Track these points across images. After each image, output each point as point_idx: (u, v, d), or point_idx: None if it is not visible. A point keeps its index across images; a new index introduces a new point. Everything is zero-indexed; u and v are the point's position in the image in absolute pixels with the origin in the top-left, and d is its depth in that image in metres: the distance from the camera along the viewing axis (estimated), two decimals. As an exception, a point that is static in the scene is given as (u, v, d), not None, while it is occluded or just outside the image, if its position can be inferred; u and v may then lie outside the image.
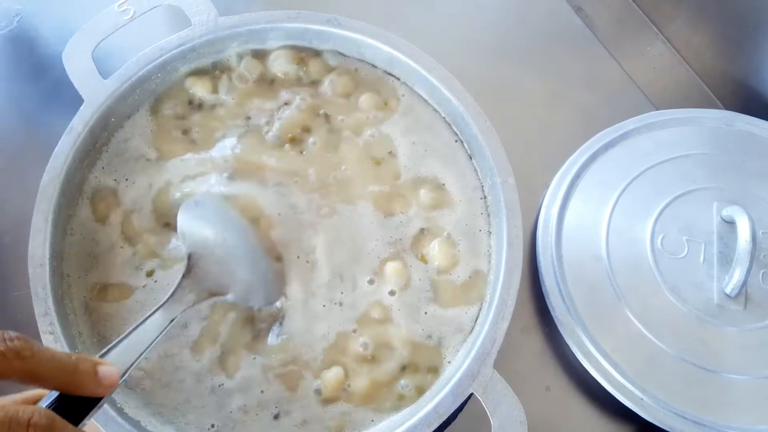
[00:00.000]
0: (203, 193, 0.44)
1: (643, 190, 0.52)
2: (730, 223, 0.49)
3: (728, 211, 0.49)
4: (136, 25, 0.48)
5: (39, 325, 0.41)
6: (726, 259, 0.48)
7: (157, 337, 0.35)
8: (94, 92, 0.46)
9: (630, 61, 0.62)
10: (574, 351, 0.46)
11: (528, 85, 0.60)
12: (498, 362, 0.40)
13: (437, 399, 0.39)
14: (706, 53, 0.61)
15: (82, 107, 0.46)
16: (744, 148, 0.54)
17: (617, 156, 0.54)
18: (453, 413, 0.39)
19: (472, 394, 0.39)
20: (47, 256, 0.42)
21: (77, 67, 0.46)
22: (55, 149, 0.44)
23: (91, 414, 0.29)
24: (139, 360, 0.33)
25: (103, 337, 0.43)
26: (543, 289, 0.49)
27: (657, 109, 0.58)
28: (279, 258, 0.43)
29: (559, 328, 0.47)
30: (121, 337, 0.33)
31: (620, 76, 0.61)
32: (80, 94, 0.46)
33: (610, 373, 0.45)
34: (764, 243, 0.49)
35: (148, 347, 0.34)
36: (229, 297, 0.40)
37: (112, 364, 0.30)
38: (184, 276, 0.38)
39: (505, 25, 0.63)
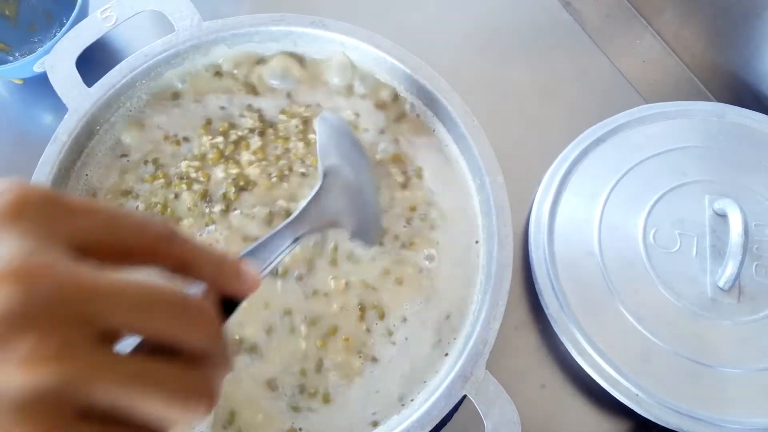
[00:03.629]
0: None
1: (635, 185, 0.51)
2: (723, 216, 0.49)
3: (720, 204, 0.49)
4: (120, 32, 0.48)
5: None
6: (719, 253, 0.48)
7: (282, 251, 0.33)
8: (78, 100, 0.46)
9: (619, 55, 0.61)
10: (568, 348, 0.46)
11: (517, 82, 0.60)
12: (493, 361, 0.40)
13: (430, 401, 0.39)
14: (695, 45, 0.61)
15: (66, 116, 0.45)
16: (735, 140, 0.53)
17: (608, 151, 0.53)
18: (447, 415, 0.39)
19: (465, 396, 0.39)
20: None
21: (61, 76, 0.46)
22: (41, 159, 0.44)
23: (228, 319, 0.27)
24: (266, 272, 0.31)
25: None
26: (536, 287, 0.49)
27: (647, 103, 0.58)
28: None
29: (553, 325, 0.47)
30: (248, 248, 0.31)
31: (610, 70, 0.61)
32: (64, 102, 0.46)
33: (604, 370, 0.45)
34: (757, 235, 0.49)
35: (273, 261, 0.32)
36: (346, 228, 0.40)
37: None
38: (314, 197, 0.38)
39: (493, 22, 0.62)
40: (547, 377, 0.49)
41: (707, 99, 0.60)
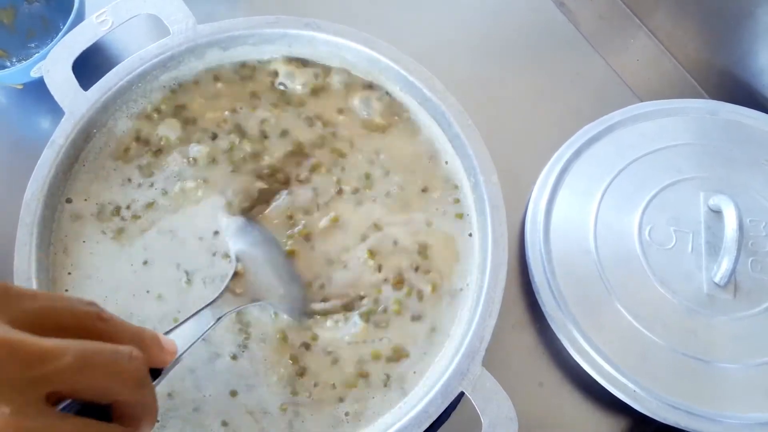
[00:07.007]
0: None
1: (630, 182, 0.52)
2: (717, 213, 0.49)
3: (715, 201, 0.49)
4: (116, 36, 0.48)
5: (27, 339, 0.41)
6: (714, 249, 0.48)
7: (204, 332, 0.37)
8: (75, 104, 0.46)
9: (613, 54, 0.62)
10: (565, 346, 0.46)
11: (512, 82, 0.60)
12: (490, 359, 0.40)
13: (427, 399, 0.39)
14: (689, 44, 0.61)
15: (63, 119, 0.45)
16: (729, 137, 0.54)
17: (603, 149, 0.54)
18: (445, 412, 0.39)
19: (462, 393, 0.39)
20: (33, 269, 0.42)
21: (57, 80, 0.46)
22: (38, 162, 0.44)
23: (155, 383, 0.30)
24: (187, 349, 0.34)
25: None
26: (533, 285, 0.49)
27: (641, 101, 0.58)
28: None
29: (550, 323, 0.47)
30: (170, 329, 0.35)
31: (604, 69, 0.61)
32: (61, 106, 0.46)
33: (602, 367, 0.45)
34: (751, 231, 0.49)
35: (195, 340, 0.36)
36: (272, 303, 0.42)
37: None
38: (232, 278, 0.41)
39: (487, 23, 0.63)
40: (544, 375, 0.49)
41: (701, 96, 0.61)
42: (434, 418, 0.38)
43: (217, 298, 0.39)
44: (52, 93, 0.46)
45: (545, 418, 0.48)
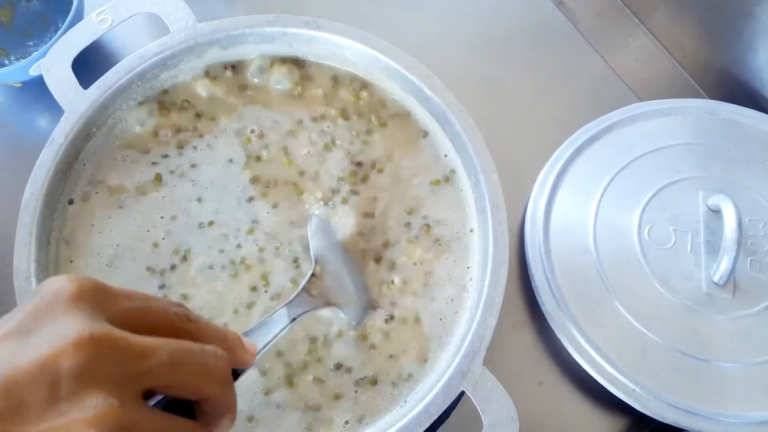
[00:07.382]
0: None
1: (629, 182, 0.52)
2: (716, 212, 0.49)
3: (714, 200, 0.49)
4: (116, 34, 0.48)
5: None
6: (713, 248, 0.49)
7: (280, 333, 0.37)
8: (75, 103, 0.46)
9: (612, 53, 0.62)
10: (565, 345, 0.46)
11: (511, 81, 0.60)
12: (490, 358, 0.40)
13: (428, 398, 0.39)
14: (688, 43, 0.62)
15: (62, 118, 0.45)
16: (728, 137, 0.54)
17: (602, 149, 0.54)
18: (445, 412, 0.39)
19: (463, 393, 0.39)
20: (32, 269, 0.42)
21: (56, 78, 0.46)
22: (37, 162, 0.44)
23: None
24: (265, 349, 0.35)
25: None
26: (532, 284, 0.49)
27: (640, 101, 0.58)
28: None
29: (550, 322, 0.47)
30: (248, 328, 0.35)
31: (603, 68, 0.61)
32: (60, 105, 0.46)
33: (601, 366, 0.45)
34: (751, 230, 0.49)
35: (271, 341, 0.36)
36: (342, 310, 0.42)
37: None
38: (309, 279, 0.41)
39: (486, 22, 0.63)
40: (544, 374, 0.49)
41: (700, 96, 0.61)
42: (435, 417, 0.38)
43: (294, 297, 0.39)
44: (51, 91, 0.46)
45: (545, 418, 0.48)
